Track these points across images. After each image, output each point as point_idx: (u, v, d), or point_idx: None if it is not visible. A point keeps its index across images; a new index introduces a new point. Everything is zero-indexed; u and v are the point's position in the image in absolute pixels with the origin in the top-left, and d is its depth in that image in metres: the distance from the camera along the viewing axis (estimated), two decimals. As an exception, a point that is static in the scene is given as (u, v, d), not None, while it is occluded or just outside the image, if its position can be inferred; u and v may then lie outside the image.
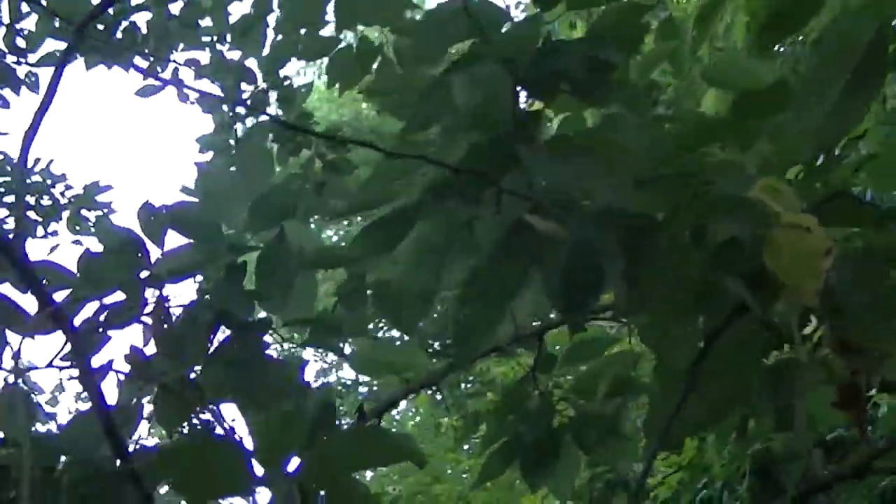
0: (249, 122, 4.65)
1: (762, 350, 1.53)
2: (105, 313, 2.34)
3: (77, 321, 2.34)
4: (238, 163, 2.62)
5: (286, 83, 4.68)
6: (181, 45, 4.46)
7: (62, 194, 6.22)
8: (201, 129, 4.77)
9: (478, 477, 2.45)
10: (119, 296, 2.37)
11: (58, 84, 1.96)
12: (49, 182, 6.13)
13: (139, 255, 2.38)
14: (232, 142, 4.65)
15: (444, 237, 2.31)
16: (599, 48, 1.41)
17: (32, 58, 4.76)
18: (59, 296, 2.36)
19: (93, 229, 6.14)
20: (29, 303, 2.39)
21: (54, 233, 6.16)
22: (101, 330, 2.34)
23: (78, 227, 6.20)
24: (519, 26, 1.48)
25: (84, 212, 6.22)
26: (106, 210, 6.22)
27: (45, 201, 6.12)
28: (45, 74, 5.08)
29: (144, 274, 2.39)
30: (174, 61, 4.50)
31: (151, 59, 4.49)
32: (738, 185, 1.28)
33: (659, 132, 1.37)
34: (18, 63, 4.82)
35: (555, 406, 2.35)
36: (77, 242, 6.27)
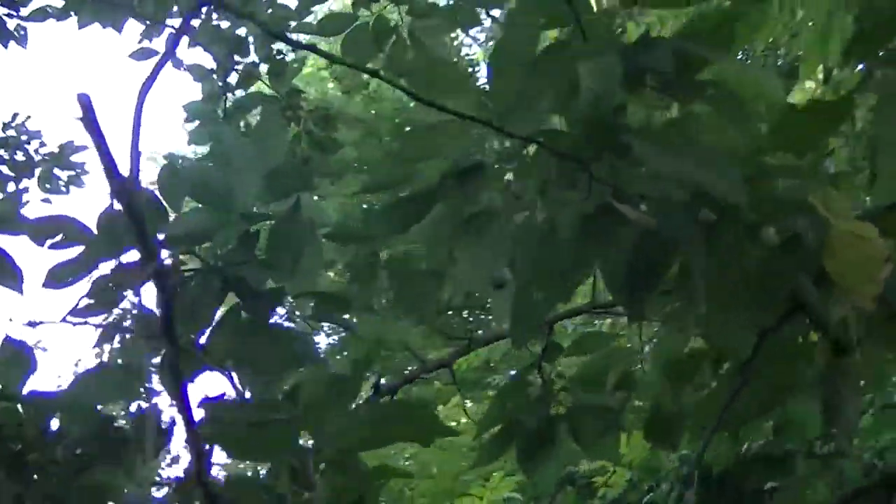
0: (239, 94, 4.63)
1: (812, 350, 1.58)
2: (120, 272, 2.33)
3: (92, 278, 2.33)
4: (253, 133, 2.60)
5: (278, 57, 4.67)
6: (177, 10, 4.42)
7: (36, 151, 6.13)
8: (187, 97, 4.74)
9: (476, 458, 2.47)
10: (135, 255, 2.36)
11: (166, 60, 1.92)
12: (24, 138, 6.05)
13: (158, 216, 2.36)
14: (220, 112, 4.63)
15: (461, 220, 2.35)
16: (692, 46, 1.43)
17: (24, 11, 4.70)
18: (73, 252, 2.35)
19: (64, 189, 6.08)
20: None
21: (25, 189, 6.08)
22: (114, 288, 2.33)
23: (48, 186, 6.13)
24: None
25: (57, 171, 6.14)
26: (79, 171, 6.15)
27: (19, 156, 6.03)
28: (35, 29, 5.01)
29: (161, 236, 2.38)
30: (170, 27, 4.46)
31: (147, 23, 4.45)
32: (797, 188, 1.32)
33: (748, 131, 1.40)
34: (10, 16, 4.76)
35: (555, 395, 2.37)
36: (46, 201, 6.20)
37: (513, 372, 3.37)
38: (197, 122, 4.73)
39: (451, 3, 2.98)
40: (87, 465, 2.35)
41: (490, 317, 6.68)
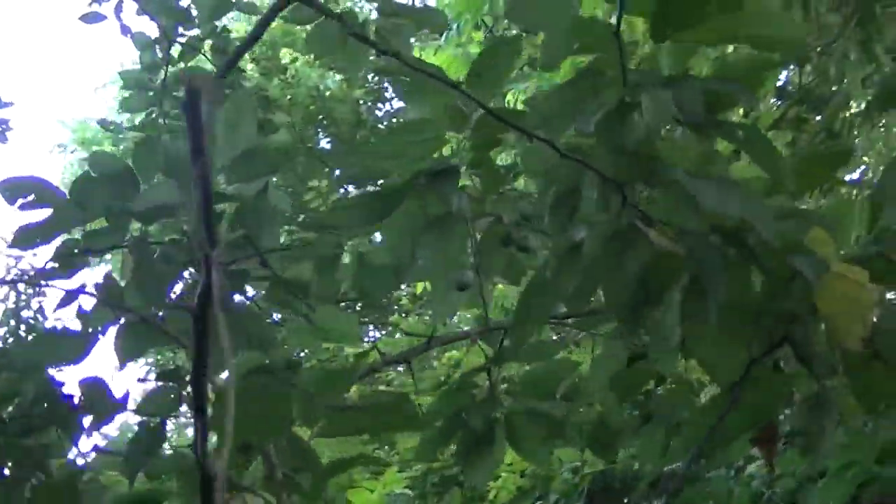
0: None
1: (793, 379, 1.69)
2: (87, 238, 2.33)
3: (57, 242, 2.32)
4: (225, 112, 2.60)
5: (223, 34, 4.65)
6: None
7: (-41, 105, 5.95)
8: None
9: (416, 452, 2.53)
10: (104, 223, 2.36)
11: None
12: (-53, 93, 5.85)
13: (131, 186, 2.36)
14: (158, 83, 4.58)
15: (426, 220, 2.41)
16: (723, 87, 1.51)
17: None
18: (42, 214, 2.33)
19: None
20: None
21: (-54, 144, 5.88)
22: (80, 253, 2.32)
23: (-31, 141, 5.96)
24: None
25: (-21, 126, 5.97)
26: (3, 127, 6.00)
27: (-58, 111, 5.85)
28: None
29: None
30: (120, -7, 4.40)
31: (97, -14, 4.38)
32: (796, 228, 1.42)
33: (776, 172, 1.49)
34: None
35: (500, 399, 2.44)
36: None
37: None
38: (131, 91, 4.68)
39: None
40: (34, 426, 2.34)
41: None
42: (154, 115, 4.52)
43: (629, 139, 1.48)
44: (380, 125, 17.80)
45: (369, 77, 18.04)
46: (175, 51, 4.55)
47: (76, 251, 2.31)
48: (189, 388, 2.42)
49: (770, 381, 1.69)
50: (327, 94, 14.39)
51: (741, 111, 4.87)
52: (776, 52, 1.59)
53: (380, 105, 18.29)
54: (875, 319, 1.39)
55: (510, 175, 2.56)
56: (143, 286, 2.30)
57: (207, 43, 4.64)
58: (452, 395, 2.46)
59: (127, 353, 2.38)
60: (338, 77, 14.47)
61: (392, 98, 18.47)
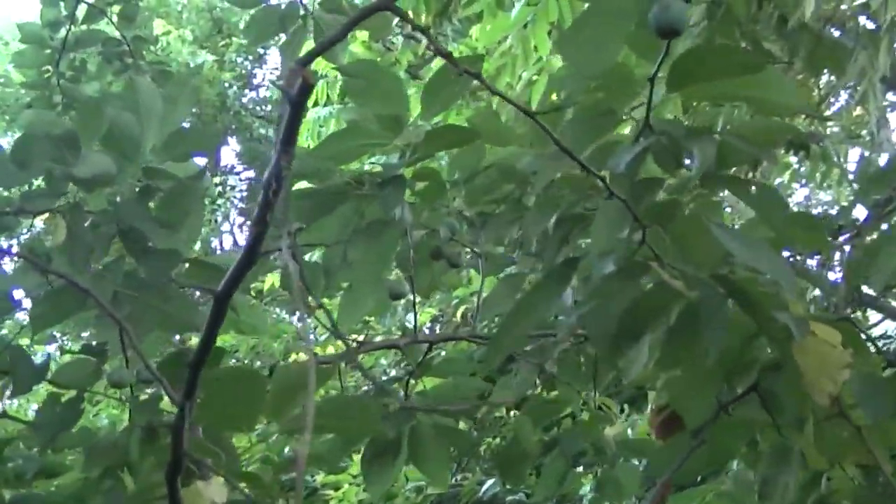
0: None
1: (755, 425, 1.76)
2: (24, 199, 2.24)
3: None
4: (168, 87, 2.54)
5: (132, 1, 4.50)
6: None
7: None
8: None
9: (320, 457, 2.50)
10: (41, 185, 2.27)
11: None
12: None
13: (72, 150, 2.28)
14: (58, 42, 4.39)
15: (361, 223, 2.42)
16: (740, 144, 1.56)
17: None
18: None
19: None
20: None
21: None
22: (13, 214, 2.23)
23: None
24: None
25: None
26: None
27: None
28: None
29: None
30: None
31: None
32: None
33: (782, 230, 1.54)
34: None
35: (412, 412, 2.44)
36: None
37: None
38: (27, 45, 4.47)
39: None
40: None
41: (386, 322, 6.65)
42: (49, 75, 4.35)
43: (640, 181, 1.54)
44: (243, 111, 17.55)
45: (238, 60, 17.77)
46: (81, 11, 4.38)
47: (9, 210, 2.21)
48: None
49: (734, 427, 1.77)
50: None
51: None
52: (776, 115, 1.67)
53: (246, 91, 18.01)
54: (845, 378, 1.47)
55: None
56: (73, 253, 2.21)
57: (116, 8, 4.49)
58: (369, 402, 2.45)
59: (45, 322, 2.29)
60: (210, 57, 14.19)
61: (260, 86, 18.23)
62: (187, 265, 2.46)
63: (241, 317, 2.61)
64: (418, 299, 2.62)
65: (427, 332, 7.25)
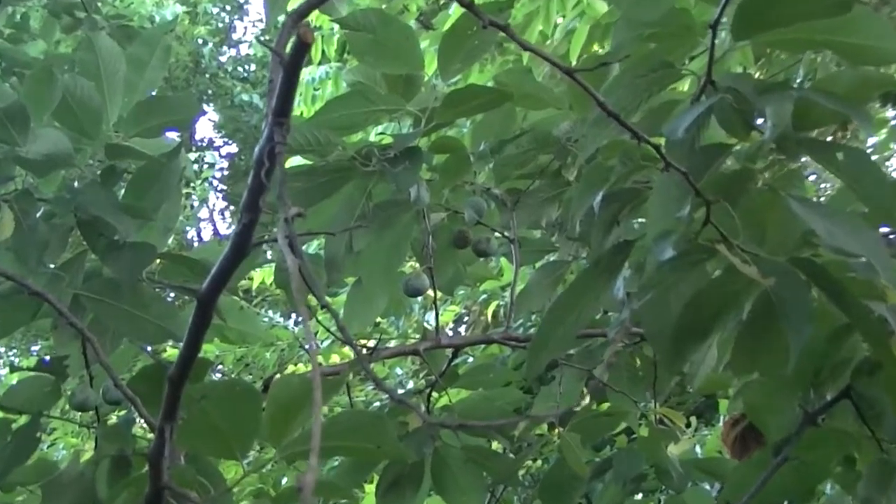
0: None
1: (852, 440, 1.77)
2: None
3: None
4: (134, 46, 2.56)
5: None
6: None
7: None
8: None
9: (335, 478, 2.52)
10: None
11: None
12: None
13: (18, 126, 2.31)
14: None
15: (367, 206, 2.45)
16: (824, 100, 1.56)
17: None
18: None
19: None
20: None
21: None
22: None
23: None
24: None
25: None
26: None
27: None
28: None
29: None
30: None
31: None
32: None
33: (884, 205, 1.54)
34: None
35: (436, 431, 2.46)
36: None
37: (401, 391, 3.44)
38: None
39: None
40: None
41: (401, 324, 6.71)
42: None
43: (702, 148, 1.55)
44: (221, 73, 17.60)
45: (214, 12, 17.83)
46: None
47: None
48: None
49: (824, 441, 1.78)
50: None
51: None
52: (867, 64, 1.67)
53: (225, 49, 18.06)
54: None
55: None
56: (23, 250, 2.25)
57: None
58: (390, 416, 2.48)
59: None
60: (180, 8, 14.20)
61: (241, 42, 18.28)
62: (162, 261, 2.49)
63: (227, 322, 2.64)
64: (439, 296, 2.64)
65: (451, 334, 7.30)
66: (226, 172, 17.20)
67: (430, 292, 2.51)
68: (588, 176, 1.70)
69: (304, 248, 3.10)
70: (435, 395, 2.57)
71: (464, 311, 7.63)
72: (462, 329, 8.09)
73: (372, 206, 2.46)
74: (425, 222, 2.47)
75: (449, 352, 2.60)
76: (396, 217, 2.51)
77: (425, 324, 6.44)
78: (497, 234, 2.60)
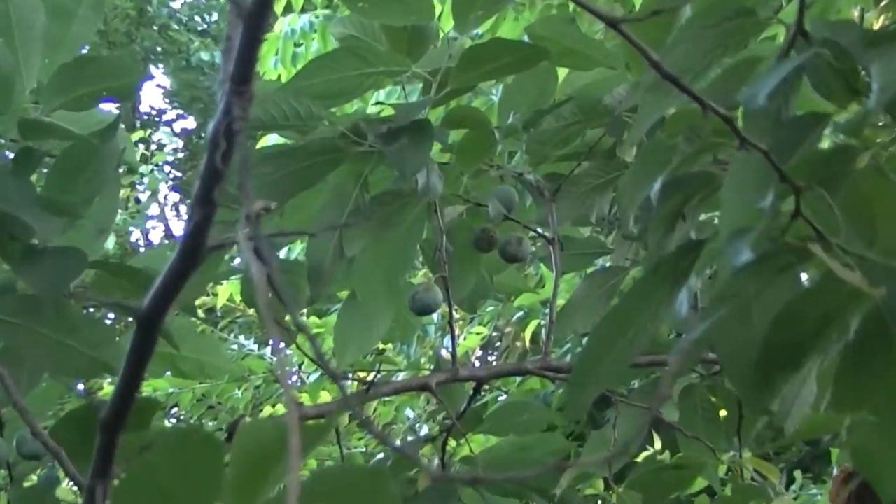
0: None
1: None
2: None
3: None
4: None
5: None
6: None
7: None
8: None
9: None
10: None
11: None
12: None
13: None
14: None
15: (363, 198, 2.47)
16: None
17: None
18: None
19: None
20: None
21: None
22: None
23: None
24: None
25: None
26: None
27: None
28: None
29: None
30: None
31: None
32: None
33: None
34: None
35: (454, 490, 2.47)
36: None
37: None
38: None
39: None
40: None
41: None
42: None
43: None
44: (175, 26, 17.67)
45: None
46: None
47: None
48: None
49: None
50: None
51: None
52: None
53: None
54: None
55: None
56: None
57: None
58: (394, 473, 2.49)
59: None
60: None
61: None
62: (95, 272, 2.52)
63: (181, 350, 2.67)
64: (461, 315, 2.67)
65: (476, 364, 7.31)
66: (181, 155, 17.19)
67: (445, 309, 2.53)
68: (644, 157, 1.71)
69: (282, 252, 3.14)
70: (454, 443, 2.59)
71: (494, 333, 7.64)
72: (492, 357, 8.11)
73: (368, 198, 2.47)
74: (438, 219, 2.49)
75: (470, 387, 2.62)
76: (400, 212, 2.53)
77: (443, 351, 6.46)
78: (533, 232, 2.62)
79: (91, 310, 2.42)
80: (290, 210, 2.49)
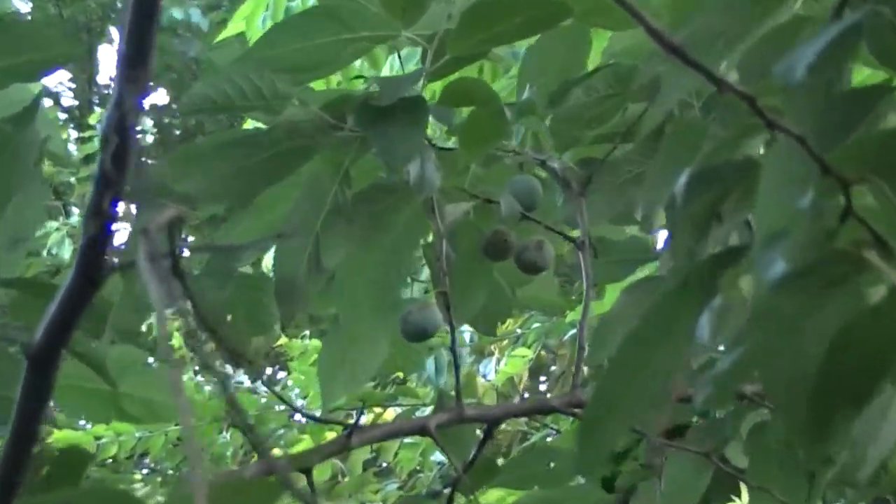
0: None
1: None
2: None
3: None
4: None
5: None
6: None
7: None
8: None
9: None
10: None
11: None
12: None
13: None
14: None
15: (340, 195, 2.47)
16: None
17: None
18: None
19: None
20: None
21: None
22: None
23: None
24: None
25: None
26: None
27: None
28: None
29: None
30: None
31: None
32: None
33: None
34: None
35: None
36: None
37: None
38: None
39: None
40: None
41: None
42: None
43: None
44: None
45: None
46: None
47: None
48: None
49: None
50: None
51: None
52: None
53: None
54: None
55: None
56: None
57: None
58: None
59: None
60: None
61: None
62: (8, 292, 2.54)
63: (123, 388, 2.68)
64: (470, 338, 2.68)
65: (525, 395, 7.31)
66: (150, 139, 16.90)
67: (447, 329, 2.53)
68: (669, 144, 1.71)
69: (254, 266, 3.15)
70: (463, 499, 2.60)
71: (549, 355, 7.63)
72: (545, 385, 8.11)
73: (351, 194, 2.48)
74: (436, 218, 2.48)
75: (480, 430, 2.63)
76: (392, 212, 2.52)
77: (481, 379, 6.47)
78: (559, 233, 2.62)
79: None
80: (258, 210, 2.50)
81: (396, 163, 2.31)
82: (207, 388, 7.88)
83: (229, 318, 2.61)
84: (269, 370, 10.03)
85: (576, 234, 2.59)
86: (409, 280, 2.79)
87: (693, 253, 1.77)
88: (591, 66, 2.65)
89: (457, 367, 2.52)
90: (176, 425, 6.88)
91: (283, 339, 7.09)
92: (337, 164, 2.43)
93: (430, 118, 2.46)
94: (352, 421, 2.72)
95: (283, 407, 6.96)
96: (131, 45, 1.14)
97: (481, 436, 2.62)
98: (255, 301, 2.53)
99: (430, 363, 6.27)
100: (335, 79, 3.04)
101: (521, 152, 2.62)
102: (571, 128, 2.60)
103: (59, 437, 6.23)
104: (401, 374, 6.18)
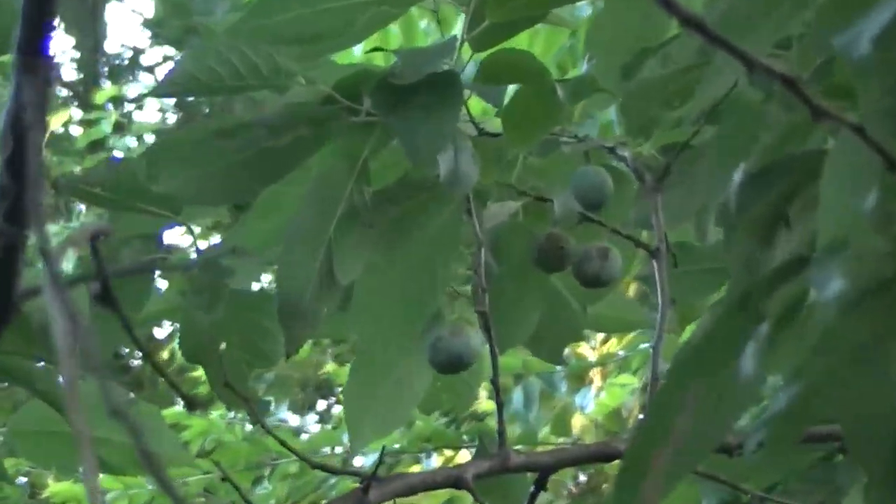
0: None
1: None
2: None
3: None
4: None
5: None
6: None
7: None
8: None
9: None
10: None
11: None
12: None
13: None
14: None
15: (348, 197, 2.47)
16: None
17: None
18: None
19: None
20: None
21: None
22: None
23: None
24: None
25: None
26: None
27: None
28: None
29: None
30: None
31: None
32: None
33: None
34: None
35: None
36: None
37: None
38: None
39: None
40: None
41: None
42: None
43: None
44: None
45: None
46: None
47: None
48: None
49: None
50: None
51: None
52: None
53: None
54: None
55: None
56: None
57: None
58: None
59: None
60: None
61: None
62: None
63: (100, 433, 2.71)
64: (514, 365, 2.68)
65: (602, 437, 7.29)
66: (173, 117, 16.68)
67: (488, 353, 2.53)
68: (722, 137, 1.71)
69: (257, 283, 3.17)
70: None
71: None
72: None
73: (371, 192, 2.48)
74: (474, 222, 2.48)
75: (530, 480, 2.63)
76: (420, 214, 2.52)
77: (580, 412, 6.43)
78: (628, 239, 2.63)
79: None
80: (255, 215, 2.51)
81: (421, 154, 2.28)
82: (247, 427, 7.88)
83: (223, 346, 2.62)
84: (322, 403, 10.03)
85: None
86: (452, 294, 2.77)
87: (752, 266, 1.77)
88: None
89: (499, 405, 2.52)
90: (206, 473, 6.91)
91: (329, 366, 7.10)
92: (353, 157, 2.41)
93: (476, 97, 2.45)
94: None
95: (336, 449, 6.93)
96: (26, 30, 1.16)
97: (532, 488, 2.62)
98: (253, 325, 2.53)
99: (517, 394, 6.23)
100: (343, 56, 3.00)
101: (584, 138, 2.59)
102: (647, 107, 2.57)
103: (55, 490, 6.24)
104: (483, 408, 6.17)
